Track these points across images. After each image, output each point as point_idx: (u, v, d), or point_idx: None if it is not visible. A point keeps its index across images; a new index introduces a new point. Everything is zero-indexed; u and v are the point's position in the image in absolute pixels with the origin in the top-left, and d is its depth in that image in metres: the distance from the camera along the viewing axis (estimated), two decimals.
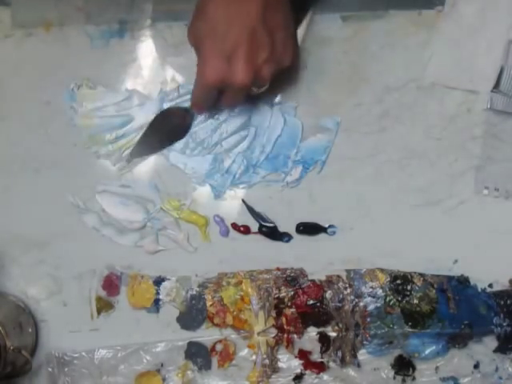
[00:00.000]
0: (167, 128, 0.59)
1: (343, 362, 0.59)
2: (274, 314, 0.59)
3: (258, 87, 0.53)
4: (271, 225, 0.60)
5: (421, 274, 0.59)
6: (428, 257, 0.59)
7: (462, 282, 0.59)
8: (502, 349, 0.59)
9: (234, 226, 0.60)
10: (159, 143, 0.60)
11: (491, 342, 0.59)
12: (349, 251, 0.60)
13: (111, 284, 0.61)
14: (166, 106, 0.60)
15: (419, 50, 0.59)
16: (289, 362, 0.60)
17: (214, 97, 0.55)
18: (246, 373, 0.60)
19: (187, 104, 0.60)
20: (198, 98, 0.55)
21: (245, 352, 0.60)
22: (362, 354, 0.59)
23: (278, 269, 0.60)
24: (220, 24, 0.48)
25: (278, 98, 0.60)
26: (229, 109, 0.59)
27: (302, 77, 0.59)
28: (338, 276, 0.60)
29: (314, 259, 0.60)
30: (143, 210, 0.61)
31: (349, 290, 0.59)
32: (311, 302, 0.59)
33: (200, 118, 0.60)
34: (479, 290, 0.59)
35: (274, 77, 0.52)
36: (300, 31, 0.57)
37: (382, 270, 0.59)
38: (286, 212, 0.60)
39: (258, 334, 0.59)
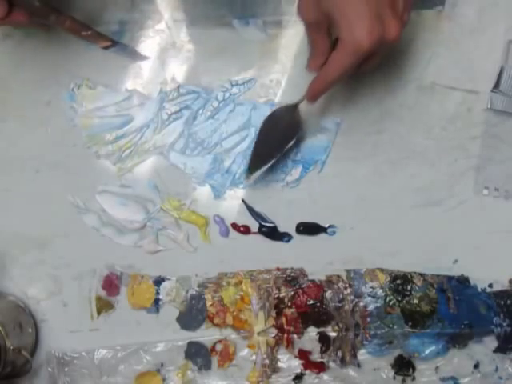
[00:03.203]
0: (277, 132, 0.56)
1: (343, 362, 0.59)
2: (273, 314, 0.59)
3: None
4: (271, 225, 0.60)
5: (421, 274, 0.59)
6: (428, 257, 0.59)
7: (462, 281, 0.59)
8: (501, 349, 0.59)
9: (234, 226, 0.60)
10: (272, 151, 0.56)
11: (491, 342, 0.59)
12: (349, 251, 0.60)
13: (111, 284, 0.61)
14: (165, 105, 0.60)
15: (419, 50, 0.59)
16: (289, 362, 0.60)
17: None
18: (245, 373, 0.60)
19: (189, 103, 0.60)
20: (335, 78, 0.48)
21: (245, 352, 0.60)
22: (362, 354, 0.59)
23: (278, 269, 0.60)
24: None
25: (277, 98, 0.60)
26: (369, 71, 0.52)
27: (301, 77, 0.59)
28: (338, 276, 0.60)
29: (314, 259, 0.60)
30: (143, 210, 0.61)
31: (349, 290, 0.59)
32: (311, 301, 0.59)
33: (200, 118, 0.60)
34: (479, 289, 0.59)
35: None
36: None
37: (381, 270, 0.59)
38: (286, 212, 0.60)
39: (258, 334, 0.59)
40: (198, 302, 0.60)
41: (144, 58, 0.60)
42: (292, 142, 0.56)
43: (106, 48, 0.57)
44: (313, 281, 0.59)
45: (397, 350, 0.59)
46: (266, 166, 0.57)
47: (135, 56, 0.60)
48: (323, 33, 0.49)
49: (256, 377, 0.59)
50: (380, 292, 0.59)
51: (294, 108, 0.55)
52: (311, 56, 0.52)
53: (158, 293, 0.60)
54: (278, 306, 0.59)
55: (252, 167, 0.57)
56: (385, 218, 0.60)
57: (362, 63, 0.48)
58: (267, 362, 0.59)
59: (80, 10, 0.60)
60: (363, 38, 0.45)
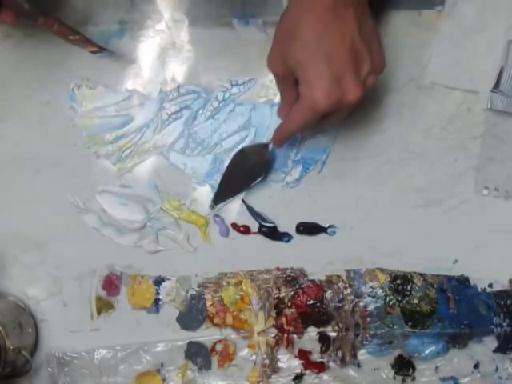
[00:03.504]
0: (245, 169, 0.58)
1: (343, 362, 0.59)
2: (273, 314, 0.59)
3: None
4: (271, 225, 0.60)
5: (421, 274, 0.59)
6: (428, 257, 0.59)
7: (462, 281, 0.59)
8: (501, 349, 0.59)
9: (234, 226, 0.60)
10: (239, 185, 0.59)
11: (491, 342, 0.59)
12: (349, 251, 0.60)
13: (111, 284, 0.61)
14: (165, 105, 0.60)
15: (419, 50, 0.59)
16: (289, 362, 0.60)
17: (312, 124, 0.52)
18: (245, 373, 0.60)
19: (189, 103, 0.60)
20: (296, 129, 0.52)
21: (245, 352, 0.60)
22: (362, 354, 0.59)
23: (278, 269, 0.60)
24: (321, 45, 0.45)
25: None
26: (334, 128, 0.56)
27: None
28: (338, 276, 0.60)
29: (314, 259, 0.60)
30: (143, 210, 0.61)
31: (349, 290, 0.59)
32: (311, 301, 0.59)
33: (200, 118, 0.60)
34: (479, 289, 0.59)
35: None
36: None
37: (382, 270, 0.59)
38: (286, 212, 0.60)
39: (258, 333, 0.59)
40: (198, 302, 0.60)
41: (131, 61, 0.60)
42: (259, 179, 0.58)
43: (94, 53, 0.57)
44: (313, 281, 0.60)
45: (397, 350, 0.59)
46: (231, 199, 0.59)
47: (122, 60, 0.60)
48: (290, 85, 0.51)
49: (256, 377, 0.59)
50: (380, 292, 0.59)
51: (264, 147, 0.57)
52: (280, 104, 0.54)
53: (158, 293, 0.60)
54: (278, 306, 0.59)
55: (217, 198, 0.59)
56: (385, 218, 0.60)
57: (324, 117, 0.50)
58: (267, 362, 0.59)
59: (80, 10, 0.60)
60: (320, 99, 0.46)
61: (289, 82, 0.50)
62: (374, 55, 0.48)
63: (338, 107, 0.48)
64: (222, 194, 0.59)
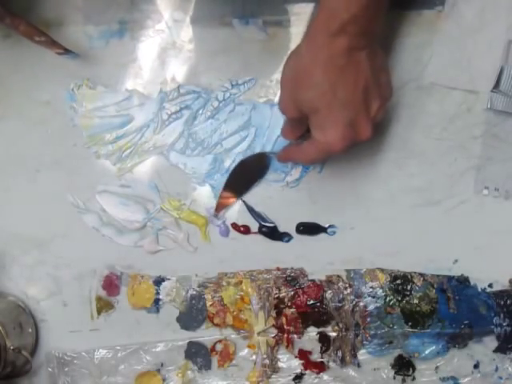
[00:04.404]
0: (245, 177, 0.60)
1: (343, 362, 0.59)
2: (274, 314, 0.59)
3: None
4: (271, 225, 0.60)
5: (421, 274, 0.59)
6: (428, 257, 0.59)
7: (462, 281, 0.59)
8: (501, 349, 0.59)
9: (234, 226, 0.60)
10: (241, 190, 0.60)
11: (491, 342, 0.59)
12: (349, 251, 0.60)
13: (111, 284, 0.61)
14: (165, 105, 0.60)
15: (419, 50, 0.59)
16: (289, 362, 0.60)
17: None
18: (245, 373, 0.60)
19: (189, 103, 0.60)
20: (306, 163, 0.55)
21: (245, 352, 0.60)
22: (362, 354, 0.59)
23: (278, 269, 0.60)
24: (337, 92, 0.45)
25: (277, 99, 0.60)
26: None
27: None
28: (338, 276, 0.60)
29: (314, 259, 0.60)
30: (143, 210, 0.61)
31: (349, 290, 0.59)
32: (311, 301, 0.59)
33: (200, 118, 0.60)
34: (479, 289, 0.59)
35: None
36: None
37: (382, 270, 0.59)
38: (286, 212, 0.60)
39: (258, 334, 0.59)
40: (198, 302, 0.60)
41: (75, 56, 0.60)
42: (256, 183, 0.60)
43: (59, 54, 0.58)
44: (313, 281, 0.60)
45: (397, 350, 0.59)
46: (232, 205, 0.60)
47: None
48: (300, 122, 0.51)
49: (256, 377, 0.59)
50: (380, 292, 0.59)
51: (264, 156, 0.59)
52: (285, 126, 0.55)
53: (158, 293, 0.60)
54: (278, 306, 0.59)
55: (220, 206, 0.60)
56: (385, 218, 0.60)
57: None
58: (267, 362, 0.59)
59: (80, 10, 0.60)
60: (336, 142, 0.47)
61: (300, 120, 0.51)
62: (382, 89, 0.49)
63: (351, 146, 0.48)
64: (224, 202, 0.60)
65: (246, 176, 0.60)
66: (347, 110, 0.46)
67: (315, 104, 0.46)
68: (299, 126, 0.52)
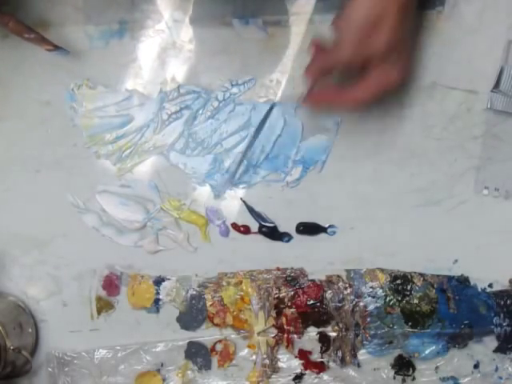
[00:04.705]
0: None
1: (343, 362, 0.59)
2: (274, 314, 0.59)
3: None
4: (271, 225, 0.60)
5: (421, 274, 0.59)
6: (428, 257, 0.59)
7: (462, 281, 0.59)
8: (501, 349, 0.59)
9: (234, 226, 0.60)
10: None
11: (491, 342, 0.59)
12: (349, 251, 0.60)
13: (111, 284, 0.61)
14: (165, 105, 0.60)
15: (419, 50, 0.59)
16: (289, 362, 0.60)
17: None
18: (245, 373, 0.60)
19: (189, 103, 0.60)
20: (360, 102, 0.54)
21: (245, 352, 0.60)
22: (362, 354, 0.59)
23: (278, 269, 0.60)
24: (405, 33, 0.51)
25: (277, 98, 0.60)
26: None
27: (301, 77, 0.59)
28: (338, 276, 0.60)
29: (314, 259, 0.60)
30: (143, 210, 0.61)
31: (349, 290, 0.59)
32: (311, 301, 0.59)
33: (200, 118, 0.60)
34: (479, 289, 0.59)
35: None
36: None
37: (382, 270, 0.59)
38: (286, 212, 0.60)
39: (258, 334, 0.59)
40: (198, 302, 0.60)
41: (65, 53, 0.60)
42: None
43: (49, 51, 0.58)
44: (313, 281, 0.60)
45: (397, 350, 0.59)
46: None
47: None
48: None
49: (256, 377, 0.59)
50: (380, 292, 0.59)
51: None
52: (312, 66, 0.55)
53: (158, 293, 0.60)
54: (278, 306, 0.59)
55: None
56: (385, 218, 0.60)
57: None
58: (267, 362, 0.59)
59: (80, 10, 0.60)
60: (399, 78, 0.52)
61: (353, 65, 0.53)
62: None
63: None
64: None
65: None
66: (408, 49, 0.53)
67: (390, 45, 0.50)
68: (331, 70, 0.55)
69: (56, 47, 0.57)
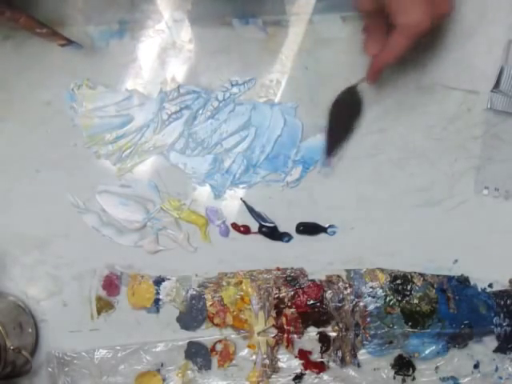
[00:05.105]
0: (344, 114, 0.59)
1: (343, 362, 0.59)
2: (274, 314, 0.59)
3: None
4: (271, 225, 0.60)
5: (421, 274, 0.59)
6: (428, 257, 0.59)
7: (462, 281, 0.59)
8: (501, 349, 0.59)
9: (234, 226, 0.60)
10: (343, 132, 0.59)
11: (491, 342, 0.59)
12: (349, 251, 0.60)
13: (111, 284, 0.61)
14: (165, 105, 0.60)
15: (419, 50, 0.59)
16: (289, 362, 0.60)
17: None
18: (245, 373, 0.60)
19: (189, 103, 0.60)
20: (395, 58, 0.52)
21: (245, 352, 0.60)
22: (362, 354, 0.59)
23: (278, 269, 0.60)
24: None
25: (277, 98, 0.60)
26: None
27: (301, 77, 0.59)
28: (338, 276, 0.60)
29: (314, 259, 0.60)
30: (143, 210, 0.61)
31: (349, 290, 0.59)
32: (311, 301, 0.59)
33: (200, 118, 0.60)
34: (479, 289, 0.59)
35: None
36: None
37: (382, 270, 0.59)
38: (286, 212, 0.60)
39: (258, 334, 0.59)
40: (198, 302, 0.60)
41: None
42: (358, 119, 0.59)
43: (62, 46, 0.58)
44: (313, 281, 0.60)
45: (397, 350, 0.59)
46: (343, 146, 0.59)
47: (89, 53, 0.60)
48: (377, 20, 0.51)
49: (256, 377, 0.59)
50: (380, 292, 0.59)
51: (354, 89, 0.57)
52: (368, 42, 0.54)
53: (158, 293, 0.60)
54: (278, 306, 0.59)
55: (331, 151, 0.59)
56: (385, 218, 0.60)
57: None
58: (267, 362, 0.59)
59: (81, 10, 0.60)
60: (419, 19, 0.47)
61: (378, 17, 0.51)
62: None
63: (433, 22, 0.48)
64: (333, 146, 0.59)
65: (343, 116, 0.59)
66: None
67: None
68: (379, 34, 0.52)
69: (69, 41, 0.57)
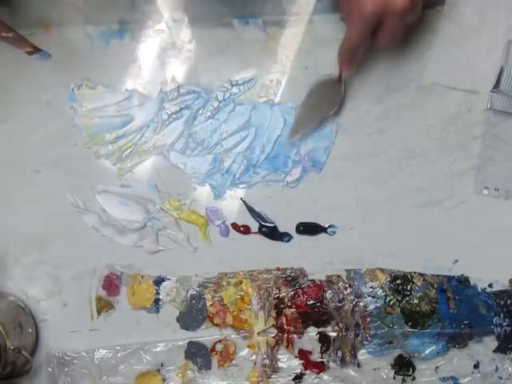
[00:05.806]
0: (319, 102, 0.59)
1: (343, 362, 0.59)
2: (274, 314, 0.59)
3: (411, 16, 0.52)
4: (271, 225, 0.60)
5: (421, 274, 0.59)
6: (428, 257, 0.59)
7: (462, 281, 0.59)
8: (501, 349, 0.59)
9: (234, 226, 0.60)
10: (314, 118, 0.59)
11: (491, 342, 0.59)
12: (349, 251, 0.60)
13: (111, 284, 0.61)
14: (165, 105, 0.60)
15: (419, 50, 0.59)
16: (289, 362, 0.60)
17: (365, 42, 0.53)
18: (245, 373, 0.60)
19: (189, 103, 0.60)
20: (355, 44, 0.53)
21: (245, 352, 0.60)
22: (362, 354, 0.59)
23: (278, 269, 0.60)
24: None
25: (277, 98, 0.60)
26: (385, 48, 0.55)
27: (301, 77, 0.59)
28: (338, 276, 0.60)
29: (314, 259, 0.60)
30: (143, 210, 0.61)
31: (349, 290, 0.59)
32: (311, 301, 0.59)
33: (200, 118, 0.60)
34: (479, 289, 0.59)
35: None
36: None
37: (382, 270, 0.59)
38: (285, 212, 0.60)
39: (258, 334, 0.59)
40: (198, 302, 0.60)
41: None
42: (333, 111, 0.59)
43: (29, 54, 0.55)
44: (313, 281, 0.60)
45: (397, 350, 0.59)
46: (307, 131, 0.59)
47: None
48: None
49: (256, 377, 0.59)
50: (380, 292, 0.59)
51: (334, 80, 0.58)
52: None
53: (158, 293, 0.60)
54: (278, 306, 0.59)
55: (294, 132, 0.59)
56: (385, 218, 0.60)
57: (375, 36, 0.52)
58: (267, 362, 0.59)
59: (80, 10, 0.60)
60: (368, 4, 0.49)
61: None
62: None
63: (385, 14, 0.49)
64: (297, 128, 0.59)
65: (319, 104, 0.59)
66: None
67: None
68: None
69: (36, 49, 0.55)
